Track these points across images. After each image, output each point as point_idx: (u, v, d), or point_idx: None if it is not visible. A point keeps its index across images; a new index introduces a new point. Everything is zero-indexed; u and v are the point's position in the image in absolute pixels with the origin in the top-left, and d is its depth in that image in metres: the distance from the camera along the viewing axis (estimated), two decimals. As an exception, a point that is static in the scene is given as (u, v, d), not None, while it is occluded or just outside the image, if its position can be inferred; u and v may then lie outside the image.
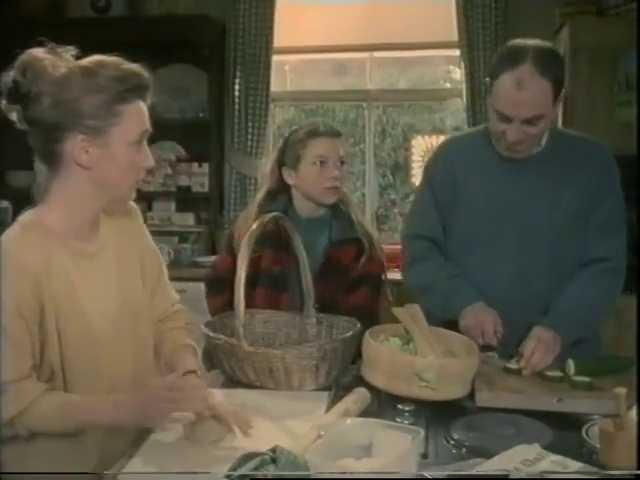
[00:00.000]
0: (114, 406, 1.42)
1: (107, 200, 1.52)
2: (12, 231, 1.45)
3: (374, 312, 2.19)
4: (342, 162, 2.22)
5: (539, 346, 1.75)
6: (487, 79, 1.92)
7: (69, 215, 1.48)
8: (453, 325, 1.88)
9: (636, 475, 1.21)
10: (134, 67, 1.44)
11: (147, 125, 1.47)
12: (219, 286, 2.29)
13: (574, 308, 1.87)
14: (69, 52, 1.43)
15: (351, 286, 2.18)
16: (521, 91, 1.77)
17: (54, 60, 1.40)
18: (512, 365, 1.76)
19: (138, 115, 1.45)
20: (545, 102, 1.80)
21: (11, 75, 1.39)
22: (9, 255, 1.39)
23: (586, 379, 1.65)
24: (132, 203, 1.66)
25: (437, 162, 2.09)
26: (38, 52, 1.41)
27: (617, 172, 1.99)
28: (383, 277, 2.26)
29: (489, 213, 1.97)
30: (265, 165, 2.48)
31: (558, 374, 1.71)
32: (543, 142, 1.94)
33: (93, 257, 1.53)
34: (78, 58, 1.45)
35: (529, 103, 1.78)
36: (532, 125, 1.82)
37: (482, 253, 1.98)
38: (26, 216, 1.48)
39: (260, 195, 2.31)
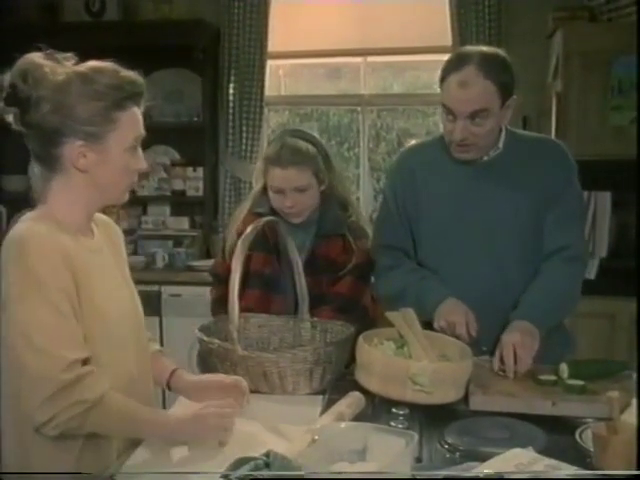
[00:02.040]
0: (163, 422, 1.47)
1: (103, 201, 1.54)
2: (23, 224, 1.43)
3: (358, 301, 2.19)
4: (302, 190, 2.14)
5: (518, 350, 1.76)
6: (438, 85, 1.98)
7: (70, 213, 1.49)
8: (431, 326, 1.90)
9: (629, 476, 1.22)
10: (131, 75, 1.47)
11: (141, 130, 1.50)
12: (217, 279, 2.32)
13: (542, 297, 1.92)
14: (67, 59, 1.45)
15: (337, 278, 2.18)
16: (465, 89, 1.85)
17: (53, 66, 1.42)
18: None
19: (133, 121, 1.47)
20: (488, 100, 1.86)
21: (8, 79, 1.41)
22: (34, 238, 1.38)
23: (579, 382, 1.66)
24: (112, 223, 1.69)
25: (397, 171, 2.14)
26: (37, 57, 1.42)
27: (573, 167, 2.03)
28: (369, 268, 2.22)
29: (452, 218, 2.00)
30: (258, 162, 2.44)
31: (552, 378, 1.71)
32: (500, 144, 1.99)
33: (98, 253, 1.54)
34: (75, 63, 1.46)
35: (471, 99, 1.85)
36: (477, 124, 1.87)
37: (451, 258, 2.00)
38: (31, 213, 1.48)
39: (253, 192, 2.32)
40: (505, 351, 1.77)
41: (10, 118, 1.44)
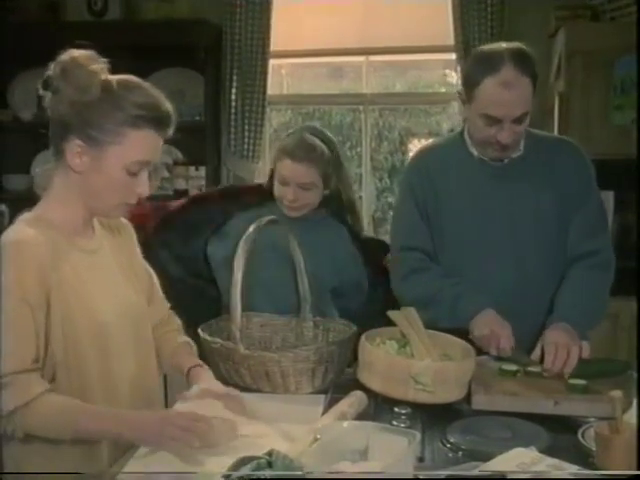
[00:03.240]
0: (118, 419, 1.42)
1: (92, 209, 1.53)
2: (15, 226, 1.46)
3: None
4: (305, 188, 2.17)
5: (559, 350, 1.73)
6: (460, 89, 1.95)
7: (66, 210, 1.50)
8: (460, 333, 1.85)
9: (632, 476, 1.21)
10: (158, 100, 1.48)
11: (150, 157, 1.49)
12: None
13: (578, 298, 1.89)
14: (102, 63, 1.47)
15: None
16: (509, 91, 1.80)
17: (87, 65, 1.44)
18: (508, 367, 1.77)
19: (143, 144, 1.46)
20: (530, 98, 1.84)
21: (51, 65, 1.45)
22: (13, 245, 1.40)
23: (582, 382, 1.66)
24: (125, 221, 1.69)
25: (415, 172, 2.09)
26: (77, 53, 1.45)
27: (592, 168, 2.02)
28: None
29: (475, 220, 1.99)
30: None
31: (581, 382, 1.68)
32: (521, 146, 1.96)
33: (94, 253, 1.54)
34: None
35: (518, 102, 1.82)
36: (520, 123, 1.85)
37: (474, 261, 1.99)
38: (26, 214, 1.50)
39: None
40: (547, 350, 1.73)
41: (46, 102, 1.47)
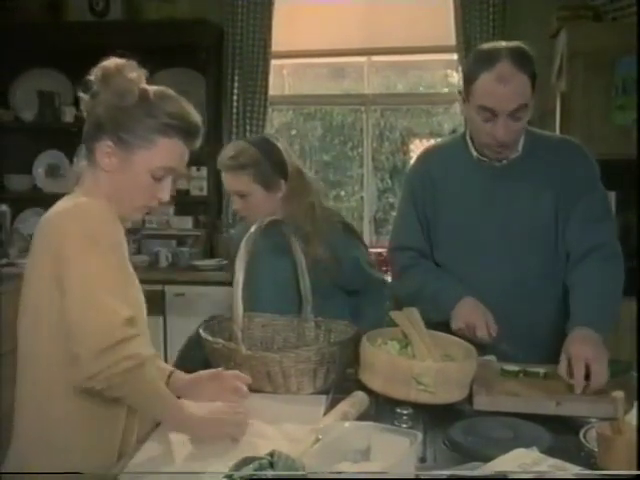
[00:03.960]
0: (198, 419, 1.48)
1: (115, 208, 1.53)
2: (69, 200, 1.49)
3: None
4: (241, 195, 2.21)
5: (593, 366, 1.65)
6: (460, 89, 1.96)
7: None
8: (447, 328, 1.88)
9: (633, 477, 1.21)
10: (190, 113, 1.54)
11: (175, 164, 1.54)
12: None
13: (594, 299, 1.84)
14: (142, 72, 1.53)
15: None
16: (504, 85, 1.81)
17: (127, 74, 1.49)
18: (510, 368, 1.77)
19: (170, 152, 1.52)
20: (526, 94, 1.84)
21: (94, 70, 1.51)
22: (88, 204, 1.45)
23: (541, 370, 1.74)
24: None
25: (416, 174, 2.11)
26: (118, 61, 1.51)
27: (594, 166, 2.00)
28: None
29: (472, 220, 1.99)
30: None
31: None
32: (520, 147, 1.96)
33: (121, 246, 1.56)
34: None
35: (512, 95, 1.82)
36: (516, 119, 1.85)
37: (470, 261, 1.99)
38: (69, 195, 1.53)
39: None
40: (576, 367, 1.65)
41: (82, 104, 1.53)
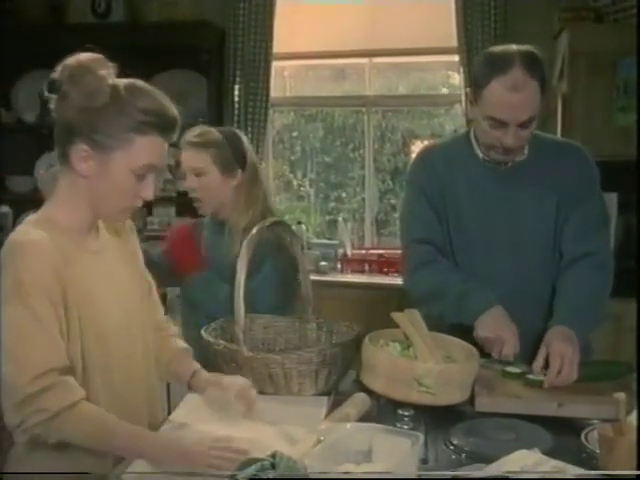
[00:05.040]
0: (158, 444, 1.39)
1: (98, 212, 1.52)
2: (23, 227, 1.45)
3: None
4: (198, 174, 2.24)
5: (566, 364, 1.69)
6: (468, 89, 1.94)
7: (72, 212, 1.49)
8: (465, 330, 1.85)
9: (635, 477, 1.21)
10: (165, 106, 1.46)
11: (156, 161, 1.48)
12: None
13: (575, 300, 1.86)
14: (110, 67, 1.45)
15: None
16: (517, 94, 1.77)
17: (95, 70, 1.42)
18: (512, 370, 1.76)
19: (149, 149, 1.45)
20: (537, 103, 1.82)
21: (58, 68, 1.44)
22: (25, 245, 1.39)
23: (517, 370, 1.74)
24: (129, 222, 1.69)
25: (422, 169, 2.08)
26: (85, 57, 1.43)
27: (596, 172, 2.00)
28: None
29: (476, 221, 1.98)
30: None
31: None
32: (526, 151, 1.95)
33: (98, 254, 1.54)
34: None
35: (525, 106, 1.79)
36: (526, 128, 1.83)
37: (474, 262, 1.99)
38: (32, 216, 1.50)
39: None
40: (553, 362, 1.69)
41: (51, 105, 1.45)
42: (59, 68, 1.43)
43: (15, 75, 4.35)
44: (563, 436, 1.48)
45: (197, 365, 1.72)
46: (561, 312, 1.85)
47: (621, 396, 1.31)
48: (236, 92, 4.19)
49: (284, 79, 4.56)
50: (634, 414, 1.36)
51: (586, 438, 1.42)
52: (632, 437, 1.26)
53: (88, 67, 1.41)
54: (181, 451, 1.37)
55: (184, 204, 4.34)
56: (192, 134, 2.25)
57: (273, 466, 1.19)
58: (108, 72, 1.43)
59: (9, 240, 1.41)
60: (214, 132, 2.27)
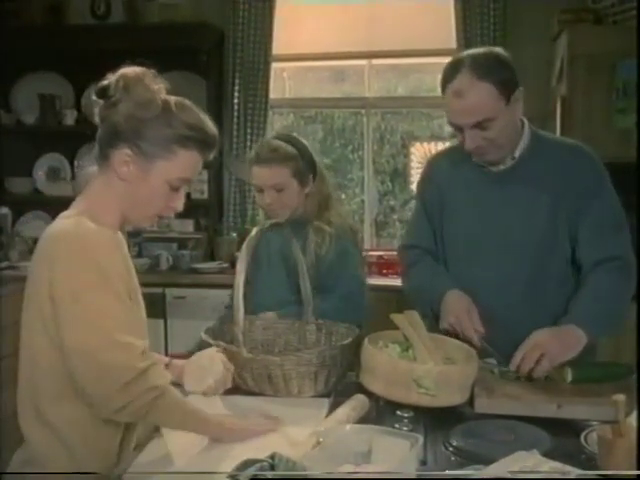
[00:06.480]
0: (222, 428, 1.53)
1: (128, 215, 1.55)
2: (71, 220, 1.46)
3: None
4: (279, 189, 2.25)
5: (533, 350, 1.71)
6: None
7: (103, 211, 1.51)
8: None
9: (634, 478, 1.21)
10: (207, 125, 1.53)
11: (191, 175, 1.54)
12: None
13: (593, 300, 1.85)
14: (162, 83, 1.51)
15: None
16: (461, 100, 1.79)
17: (149, 84, 1.48)
18: (511, 371, 1.76)
19: (187, 163, 1.51)
20: (490, 105, 1.80)
21: (110, 77, 1.49)
22: (91, 234, 1.42)
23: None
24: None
25: (425, 181, 2.15)
26: (139, 70, 1.49)
27: (603, 171, 1.98)
28: None
29: (473, 226, 1.99)
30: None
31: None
32: (524, 144, 1.94)
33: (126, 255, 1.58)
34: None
35: (470, 110, 1.80)
36: (485, 129, 1.82)
37: (470, 265, 1.99)
38: (70, 211, 1.51)
39: None
40: (529, 354, 1.71)
41: (96, 111, 1.51)
42: (114, 76, 1.48)
43: (14, 76, 4.35)
44: (562, 437, 1.48)
45: (166, 358, 1.75)
46: (572, 311, 1.85)
47: (620, 398, 1.31)
48: (235, 94, 4.19)
49: (283, 80, 4.56)
50: (633, 415, 1.36)
51: (585, 439, 1.42)
52: (631, 438, 1.26)
53: (143, 80, 1.48)
54: (244, 434, 1.53)
55: (183, 206, 4.36)
56: (265, 150, 2.25)
57: (272, 467, 1.19)
58: (159, 87, 1.50)
59: (63, 231, 1.42)
60: (285, 146, 2.27)
